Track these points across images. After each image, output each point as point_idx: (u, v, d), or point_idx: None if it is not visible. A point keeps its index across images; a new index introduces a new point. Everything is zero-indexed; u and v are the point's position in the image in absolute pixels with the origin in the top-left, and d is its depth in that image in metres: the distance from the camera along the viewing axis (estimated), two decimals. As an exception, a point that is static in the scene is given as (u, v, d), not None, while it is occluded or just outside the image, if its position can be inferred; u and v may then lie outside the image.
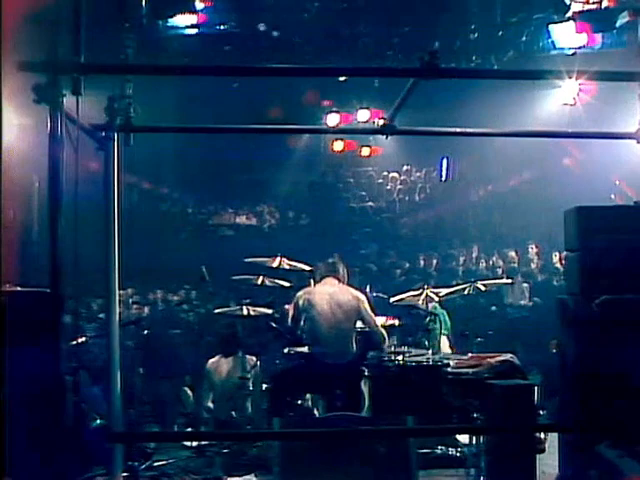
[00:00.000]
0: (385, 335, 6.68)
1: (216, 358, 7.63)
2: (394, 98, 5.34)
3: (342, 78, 10.03)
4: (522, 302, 11.97)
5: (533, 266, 13.33)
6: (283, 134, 12.18)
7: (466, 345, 7.41)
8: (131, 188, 14.33)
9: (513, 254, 13.78)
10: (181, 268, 11.65)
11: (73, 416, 4.05)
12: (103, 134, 5.23)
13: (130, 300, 11.37)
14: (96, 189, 5.23)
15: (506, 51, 11.00)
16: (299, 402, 6.74)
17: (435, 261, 14.00)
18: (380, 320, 7.27)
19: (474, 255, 14.43)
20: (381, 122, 5.61)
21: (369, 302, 6.74)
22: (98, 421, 5.93)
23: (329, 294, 6.59)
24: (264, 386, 7.29)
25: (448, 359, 6.58)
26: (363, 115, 13.14)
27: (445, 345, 7.89)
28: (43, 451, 3.68)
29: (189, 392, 8.13)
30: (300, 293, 6.75)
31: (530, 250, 13.86)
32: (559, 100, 11.60)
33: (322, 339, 6.53)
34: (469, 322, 7.83)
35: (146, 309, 11.04)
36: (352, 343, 6.62)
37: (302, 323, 6.65)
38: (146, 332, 7.60)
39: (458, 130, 6.27)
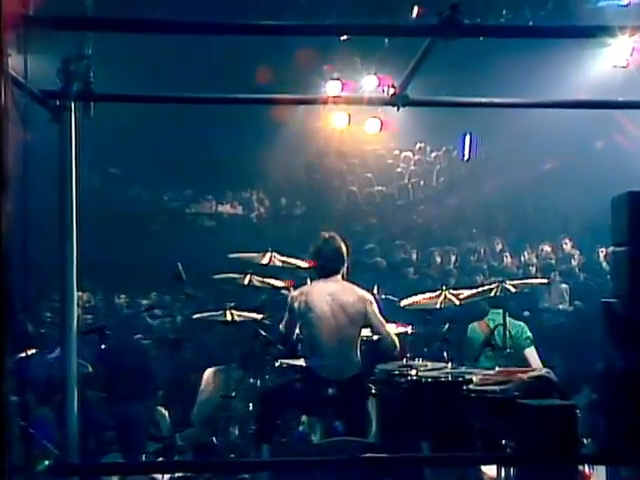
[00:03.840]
0: (397, 343, 6.67)
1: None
2: (407, 62, 5.31)
3: (344, 37, 9.98)
4: (560, 306, 12.01)
5: (573, 263, 13.35)
6: (274, 105, 12.13)
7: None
8: (91, 169, 14.29)
9: (549, 249, 13.81)
10: (152, 265, 11.65)
11: (20, 445, 4.02)
12: (57, 103, 5.20)
13: (91, 304, 11.37)
14: (48, 169, 5.19)
15: (544, 3, 10.95)
16: (293, 425, 6.73)
17: (455, 257, 14.03)
18: (389, 328, 7.25)
19: (501, 249, 14.44)
20: (391, 91, 5.60)
21: (377, 304, 6.72)
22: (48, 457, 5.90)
23: (330, 294, 6.56)
24: (251, 406, 7.27)
25: (471, 374, 6.57)
26: (370, 82, 13.09)
27: (535, 360, 7.72)
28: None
29: (164, 412, 8.12)
30: (295, 293, 6.73)
31: (570, 244, 13.87)
32: (608, 62, 11.54)
33: (321, 349, 6.51)
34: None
35: (110, 315, 11.03)
36: (357, 354, 6.61)
37: (298, 330, 6.64)
38: (110, 342, 7.58)
39: (484, 100, 6.26)
